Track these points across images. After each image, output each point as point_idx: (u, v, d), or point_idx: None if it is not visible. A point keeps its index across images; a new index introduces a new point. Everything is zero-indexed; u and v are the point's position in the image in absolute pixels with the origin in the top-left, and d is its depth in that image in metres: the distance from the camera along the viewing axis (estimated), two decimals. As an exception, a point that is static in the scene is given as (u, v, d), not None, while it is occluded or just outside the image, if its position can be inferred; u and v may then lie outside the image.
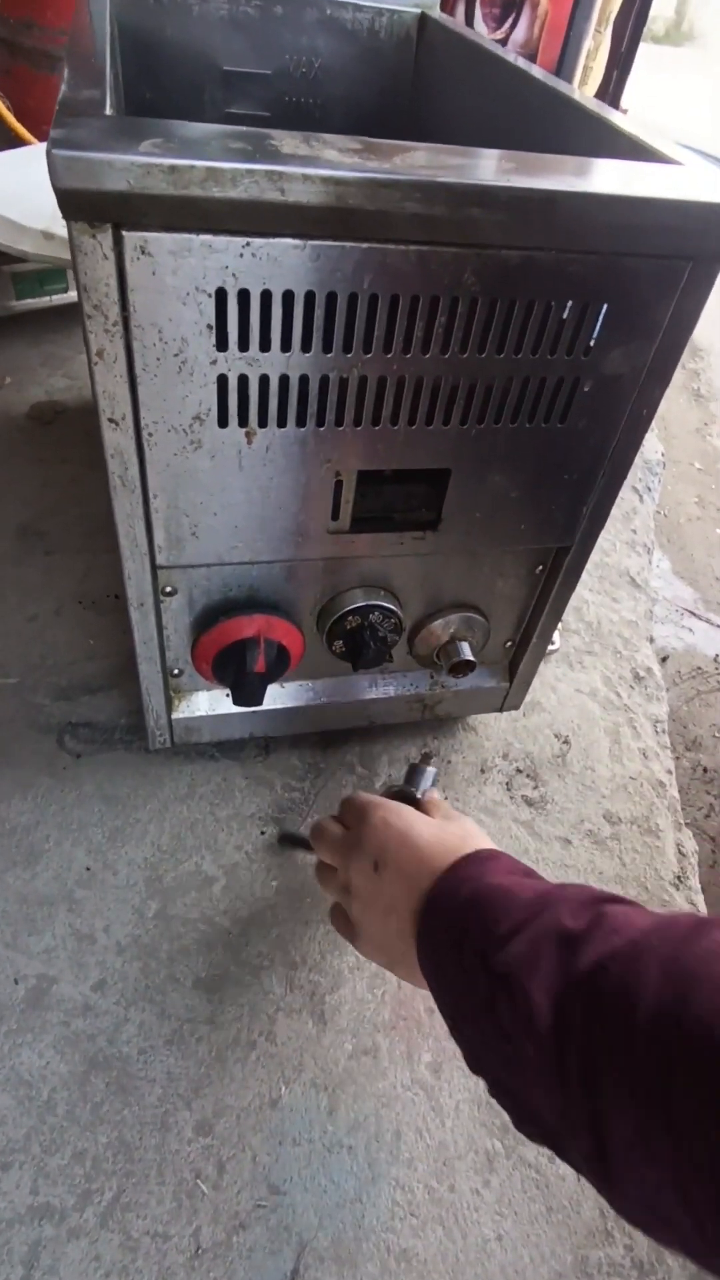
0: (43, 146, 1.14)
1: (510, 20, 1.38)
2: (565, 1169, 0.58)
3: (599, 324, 0.50)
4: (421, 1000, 0.64)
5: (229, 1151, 0.55)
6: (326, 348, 0.46)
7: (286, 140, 0.40)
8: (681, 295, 0.50)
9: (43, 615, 0.87)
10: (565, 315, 0.49)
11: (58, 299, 1.22)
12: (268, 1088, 0.58)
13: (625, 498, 1.30)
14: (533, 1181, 0.57)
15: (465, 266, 0.45)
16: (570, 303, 0.48)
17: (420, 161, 0.41)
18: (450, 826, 0.49)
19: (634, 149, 0.54)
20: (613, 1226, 0.56)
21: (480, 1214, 0.55)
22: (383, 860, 0.47)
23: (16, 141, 1.34)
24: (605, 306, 0.49)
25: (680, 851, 0.80)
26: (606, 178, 0.44)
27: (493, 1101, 0.55)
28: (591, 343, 0.51)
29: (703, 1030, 0.27)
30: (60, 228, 1.07)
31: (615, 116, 0.58)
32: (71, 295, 1.23)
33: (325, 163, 0.39)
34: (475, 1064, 0.39)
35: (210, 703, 0.72)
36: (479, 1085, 0.60)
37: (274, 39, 0.87)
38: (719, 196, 0.45)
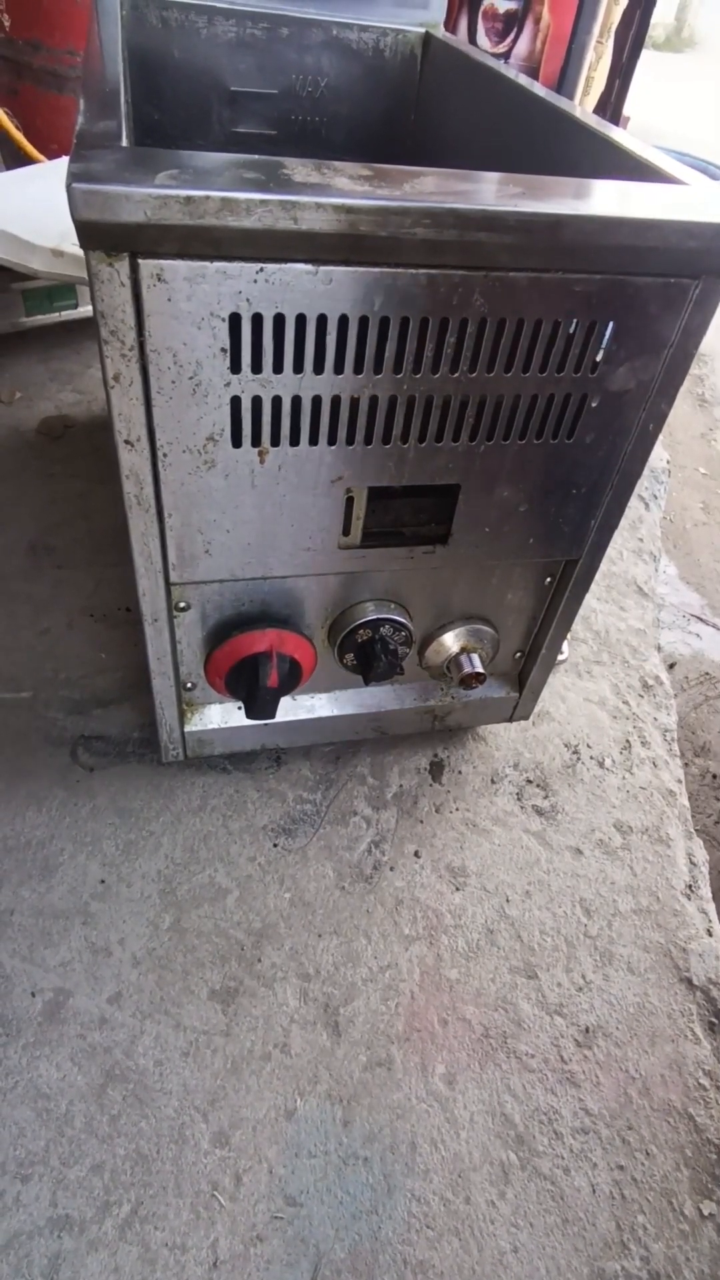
0: (50, 164, 1.15)
1: (513, 34, 1.39)
2: (581, 1180, 0.58)
3: (605, 342, 0.50)
4: (435, 1012, 0.64)
5: (245, 1163, 0.56)
6: (338, 369, 0.47)
7: (298, 169, 0.41)
8: (689, 312, 0.50)
9: (54, 629, 0.88)
10: (572, 333, 0.49)
11: (67, 315, 1.23)
12: (283, 1100, 0.59)
13: (631, 506, 1.30)
14: (548, 1193, 0.57)
15: (474, 288, 0.45)
16: (577, 321, 0.49)
17: (429, 187, 0.42)
18: None
19: (639, 168, 0.54)
20: (628, 1238, 0.56)
21: (496, 1226, 0.55)
22: None
23: (25, 160, 1.35)
24: (612, 325, 0.49)
25: (691, 860, 0.80)
26: (611, 200, 0.45)
27: (509, 1114, 0.55)
28: (599, 358, 0.51)
29: None
30: (69, 245, 1.08)
31: (619, 135, 0.58)
32: (80, 311, 1.24)
33: (337, 191, 0.39)
34: None
35: (222, 715, 0.73)
36: (493, 1097, 0.60)
37: (280, 59, 0.88)
38: (724, 217, 0.45)
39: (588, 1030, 0.65)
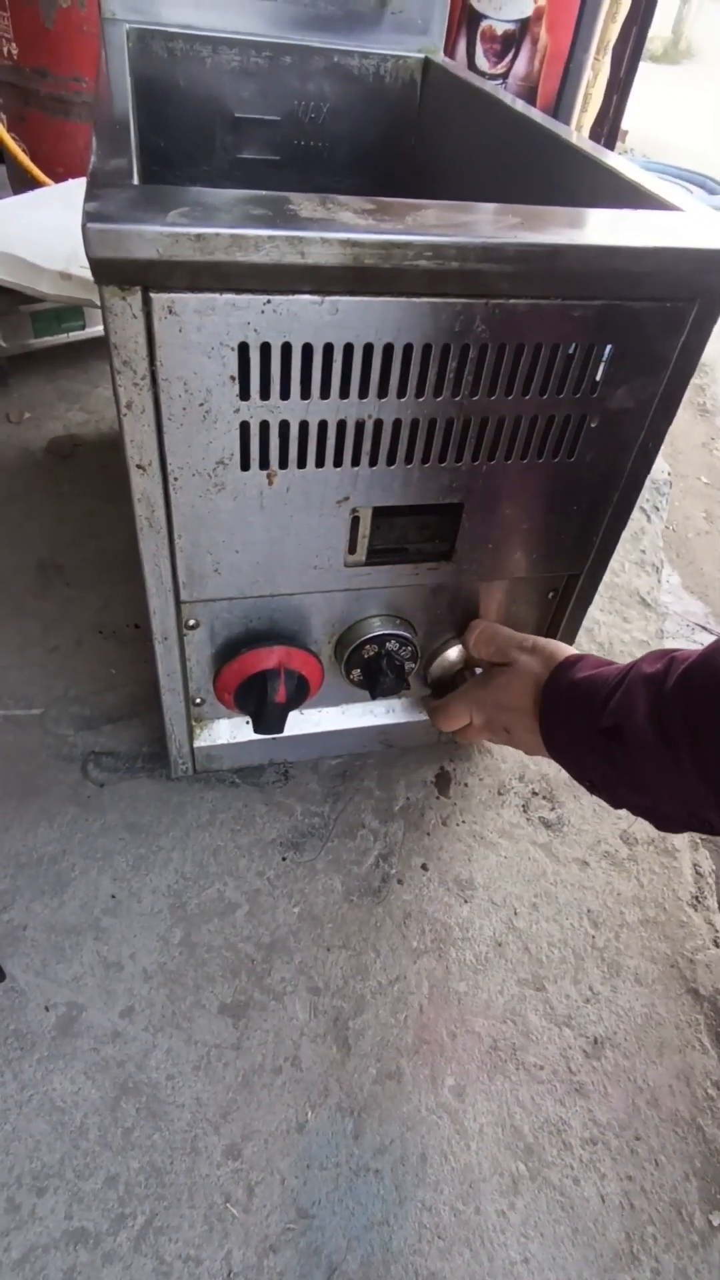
0: (57, 188, 1.17)
1: (511, 54, 1.42)
2: (590, 1190, 0.58)
3: (604, 364, 0.51)
4: (444, 1025, 0.65)
5: (258, 1175, 0.56)
6: (344, 395, 0.48)
7: (304, 204, 0.42)
8: (687, 334, 0.52)
9: (64, 646, 0.89)
10: (572, 356, 0.51)
11: (74, 336, 1.25)
12: (294, 1112, 0.59)
13: (634, 517, 1.31)
14: (558, 1204, 0.57)
15: (475, 315, 0.47)
16: (576, 345, 0.50)
17: (430, 220, 0.43)
18: (532, 663, 0.59)
19: (635, 194, 0.56)
20: (638, 1249, 0.56)
21: (506, 1236, 0.56)
22: (509, 725, 0.61)
23: (32, 184, 1.38)
24: (610, 348, 0.51)
25: (697, 871, 0.81)
26: (606, 229, 0.46)
27: (518, 1126, 0.56)
28: (598, 380, 0.52)
29: None
30: (76, 268, 1.10)
31: (615, 161, 0.60)
32: (87, 332, 1.26)
33: (341, 225, 0.41)
34: (614, 804, 0.52)
35: (231, 730, 0.74)
36: (502, 1108, 0.61)
37: (283, 86, 0.91)
38: (718, 243, 0.46)
39: (596, 1041, 0.66)
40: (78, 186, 1.26)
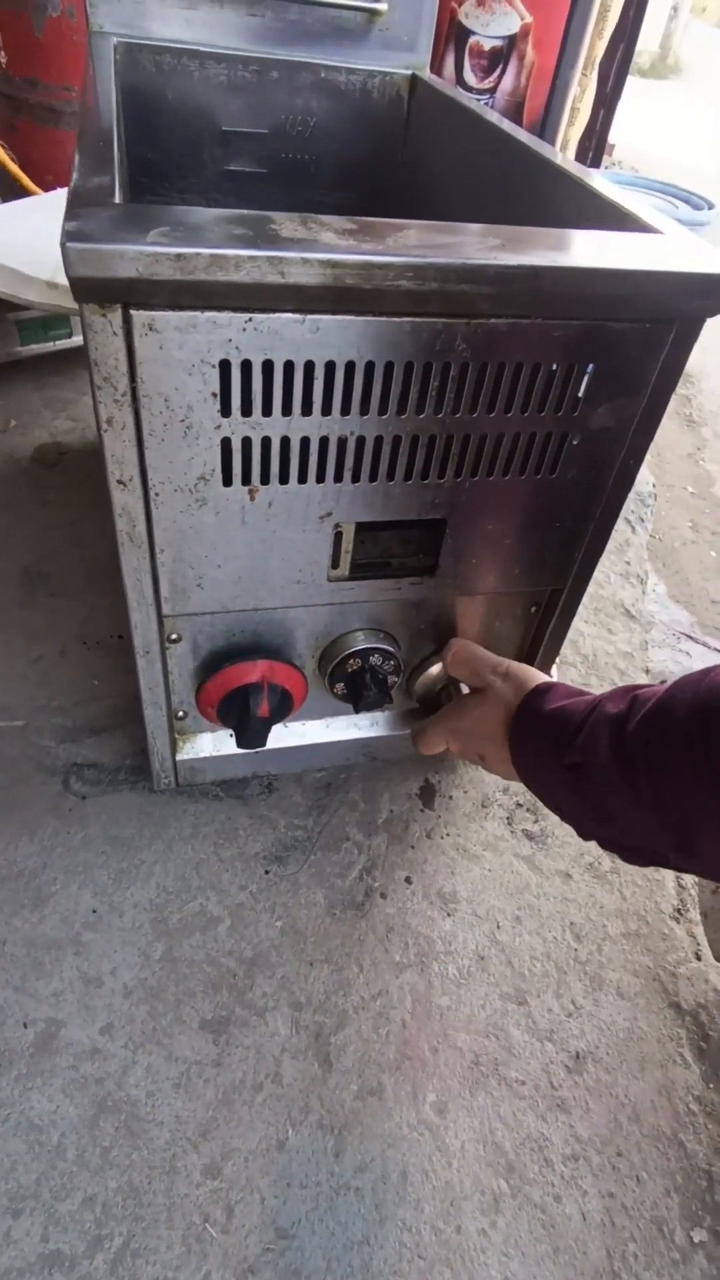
0: (46, 197, 1.17)
1: (499, 70, 1.43)
2: (572, 1208, 0.58)
3: (585, 383, 0.52)
4: (426, 1040, 0.65)
5: (237, 1194, 0.56)
6: (326, 412, 0.49)
7: (285, 224, 0.42)
8: (668, 354, 0.52)
9: (48, 657, 0.89)
10: (553, 375, 0.51)
11: (61, 344, 1.25)
12: (274, 1130, 0.59)
13: (618, 529, 1.32)
14: (539, 1222, 0.57)
15: (456, 334, 0.47)
16: (557, 364, 0.50)
17: (412, 241, 0.43)
18: (505, 690, 0.60)
19: (617, 216, 0.56)
20: (619, 1267, 0.56)
21: (487, 1255, 0.55)
22: (483, 753, 0.62)
23: (21, 192, 1.38)
24: (591, 367, 0.51)
25: (680, 884, 0.81)
26: (587, 251, 0.47)
27: (499, 1142, 0.56)
28: (580, 397, 0.53)
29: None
30: (64, 277, 1.10)
31: (598, 182, 0.60)
32: (74, 341, 1.26)
33: (322, 246, 0.41)
34: (583, 834, 0.53)
35: (214, 743, 0.73)
36: (484, 1124, 0.61)
37: (270, 100, 0.91)
38: (697, 266, 0.47)
39: (578, 1056, 0.66)
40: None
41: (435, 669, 0.71)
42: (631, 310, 0.48)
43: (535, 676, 0.61)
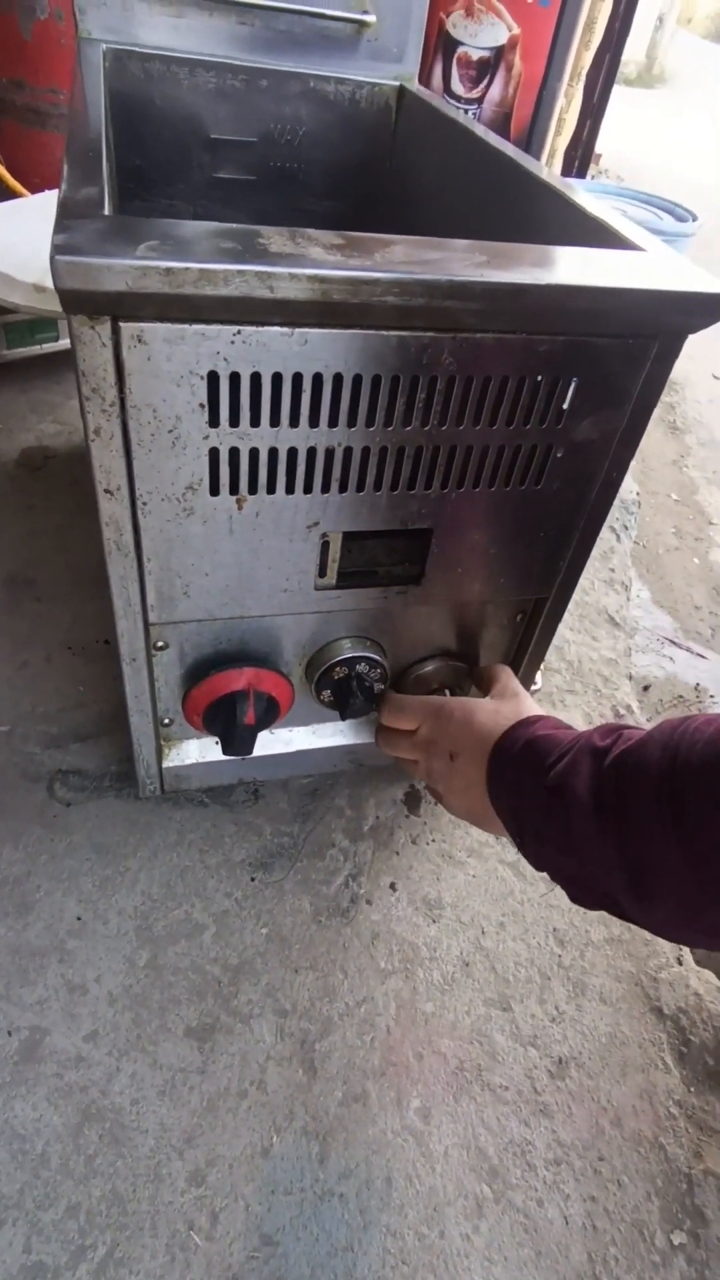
0: (34, 199, 1.16)
1: (486, 80, 1.44)
2: (554, 1212, 0.59)
3: (569, 397, 0.53)
4: (410, 1046, 0.65)
5: (222, 1202, 0.56)
6: (313, 423, 0.49)
7: (274, 238, 0.43)
8: (650, 369, 0.53)
9: (33, 663, 0.89)
10: (538, 389, 0.52)
11: (48, 348, 1.25)
12: (259, 1136, 0.59)
13: (603, 537, 1.33)
14: (521, 1226, 0.58)
15: (442, 348, 0.47)
16: (541, 378, 0.51)
17: (398, 257, 0.44)
18: (504, 707, 0.60)
19: (601, 232, 0.57)
20: (600, 1270, 0.56)
21: (470, 1260, 0.56)
22: (457, 750, 0.60)
23: (8, 195, 1.37)
24: (575, 381, 0.52)
25: (661, 889, 0.82)
26: (570, 268, 0.48)
27: (483, 1148, 0.56)
28: (564, 409, 0.54)
29: (693, 761, 0.41)
30: (51, 280, 1.10)
31: (582, 198, 0.61)
32: (61, 344, 1.26)
33: (310, 261, 0.41)
34: (538, 864, 0.52)
35: (200, 750, 0.74)
36: (468, 1130, 0.61)
37: (259, 109, 0.91)
38: (678, 284, 0.48)
39: (561, 1061, 0.66)
40: (54, 199, 1.25)
41: (422, 674, 0.71)
42: (614, 326, 0.49)
43: (536, 708, 0.61)
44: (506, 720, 0.58)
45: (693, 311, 0.49)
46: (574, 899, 0.50)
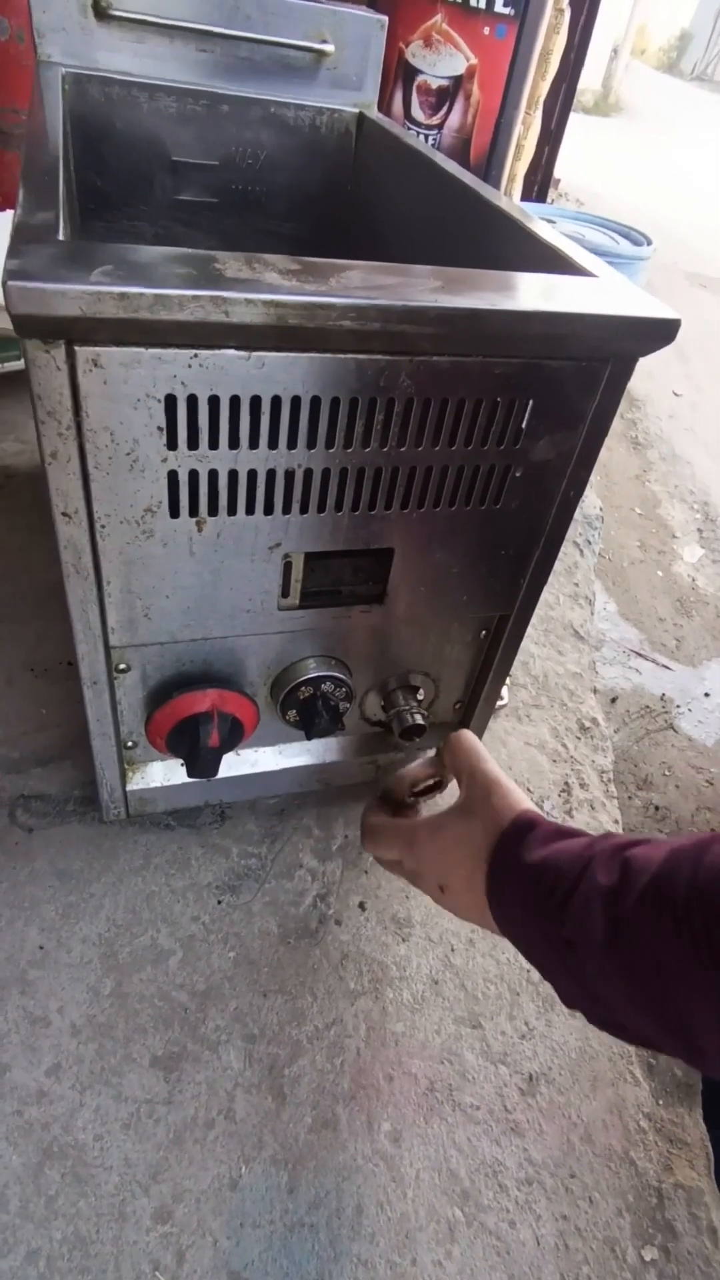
0: (-1, 216, 1.13)
1: (446, 108, 1.47)
2: (526, 1233, 0.58)
3: (526, 418, 0.53)
4: (380, 1068, 0.64)
5: (189, 1239, 0.55)
6: (273, 445, 0.49)
7: (230, 263, 0.43)
8: (603, 391, 0.54)
9: (-6, 685, 0.87)
10: (495, 410, 0.52)
11: (10, 366, 1.24)
12: (227, 1168, 0.58)
13: (567, 552, 1.35)
14: (494, 1249, 0.57)
15: (399, 371, 0.48)
16: (499, 400, 0.52)
17: (355, 282, 0.44)
18: (475, 821, 0.52)
19: (554, 258, 0.58)
20: (573, 1290, 0.56)
21: (443, 1286, 0.55)
22: (444, 882, 0.54)
23: (-32, 213, 1.36)
24: (531, 403, 0.53)
25: (628, 901, 0.82)
26: (524, 294, 0.49)
27: (454, 1170, 0.56)
28: (521, 430, 0.54)
29: None
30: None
31: (537, 226, 0.63)
32: (23, 363, 1.25)
33: (266, 286, 0.42)
34: (566, 1002, 0.46)
35: (165, 773, 0.73)
36: (439, 1152, 0.61)
37: (221, 132, 0.92)
38: (627, 310, 0.49)
39: (531, 1078, 0.66)
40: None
41: (387, 693, 0.71)
42: (567, 350, 0.50)
43: (516, 803, 0.52)
44: (484, 839, 0.50)
45: (642, 336, 0.51)
46: (616, 1036, 0.45)
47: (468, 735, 0.60)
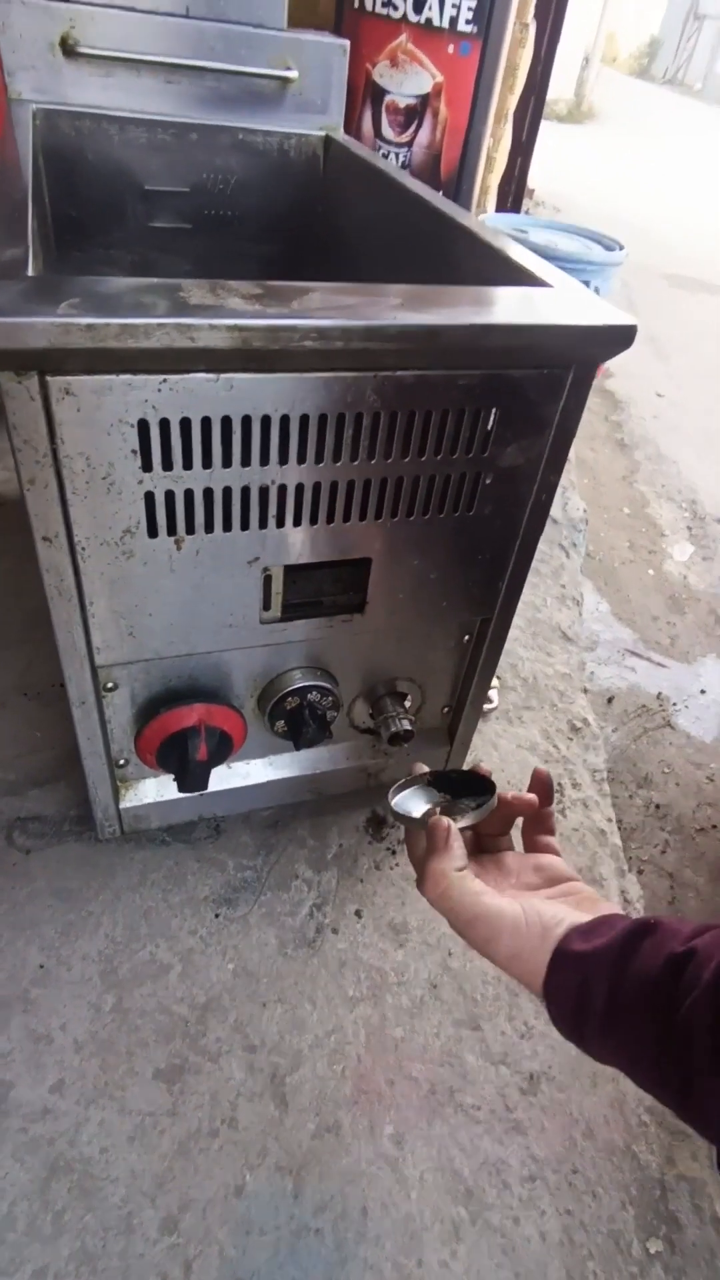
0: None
1: (414, 126, 1.50)
2: (531, 1229, 0.59)
3: (491, 426, 0.55)
4: (381, 1073, 0.65)
5: (195, 1249, 0.55)
6: (245, 463, 0.51)
7: (194, 291, 0.45)
8: (567, 396, 0.56)
9: (-11, 709, 0.88)
10: (461, 420, 0.54)
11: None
12: (232, 1176, 0.58)
13: (553, 555, 1.37)
14: (499, 1247, 0.58)
15: (365, 387, 0.49)
16: (464, 410, 0.53)
17: (315, 304, 0.46)
18: (527, 943, 0.44)
19: (513, 270, 0.60)
20: (578, 1285, 0.57)
21: (450, 1286, 0.55)
22: (486, 953, 0.45)
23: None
24: (496, 411, 0.54)
25: (625, 898, 0.83)
26: (482, 308, 0.50)
27: (458, 1169, 0.56)
28: (489, 437, 0.56)
29: None
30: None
31: (497, 239, 0.64)
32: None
33: (229, 312, 0.43)
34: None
35: (157, 789, 0.74)
36: (442, 1153, 0.61)
37: (191, 160, 0.94)
38: (584, 319, 0.51)
39: (531, 1077, 0.67)
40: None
41: (374, 700, 0.73)
42: (528, 359, 0.52)
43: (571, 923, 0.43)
44: (538, 964, 0.43)
45: (600, 342, 0.52)
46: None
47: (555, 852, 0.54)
